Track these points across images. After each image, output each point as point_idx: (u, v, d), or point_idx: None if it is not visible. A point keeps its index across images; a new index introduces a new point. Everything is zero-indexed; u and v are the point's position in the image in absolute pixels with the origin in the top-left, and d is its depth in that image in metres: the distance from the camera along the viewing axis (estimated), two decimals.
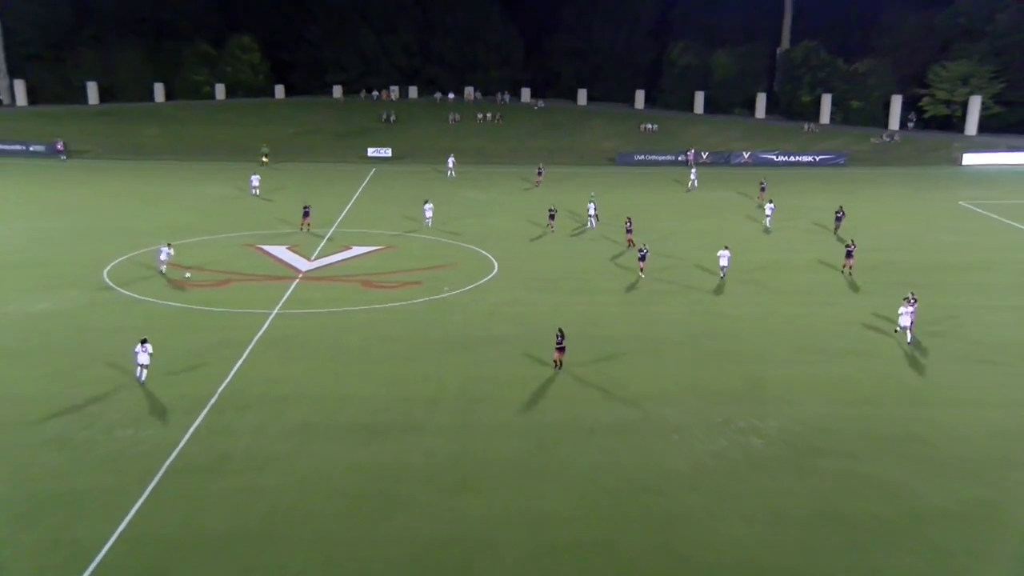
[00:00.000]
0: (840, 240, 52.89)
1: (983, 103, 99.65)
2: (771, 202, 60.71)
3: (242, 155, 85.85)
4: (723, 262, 46.05)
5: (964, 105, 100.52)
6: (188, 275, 44.83)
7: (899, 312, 37.41)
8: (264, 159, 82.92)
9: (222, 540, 22.97)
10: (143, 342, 31.86)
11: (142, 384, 31.71)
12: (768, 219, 59.24)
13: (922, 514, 24.62)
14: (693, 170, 77.03)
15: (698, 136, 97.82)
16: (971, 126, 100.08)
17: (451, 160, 79.53)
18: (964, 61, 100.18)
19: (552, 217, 57.36)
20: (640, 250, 46.78)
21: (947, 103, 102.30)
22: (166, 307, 41.21)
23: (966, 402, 31.99)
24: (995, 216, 63.11)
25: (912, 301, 37.46)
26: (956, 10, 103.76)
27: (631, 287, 45.41)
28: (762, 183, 68.81)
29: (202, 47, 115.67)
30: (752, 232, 58.06)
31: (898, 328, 37.70)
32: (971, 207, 66.48)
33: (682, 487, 25.90)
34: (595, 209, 58.72)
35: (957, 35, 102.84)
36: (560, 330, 33.98)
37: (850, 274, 46.96)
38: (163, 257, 45.23)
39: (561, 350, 33.88)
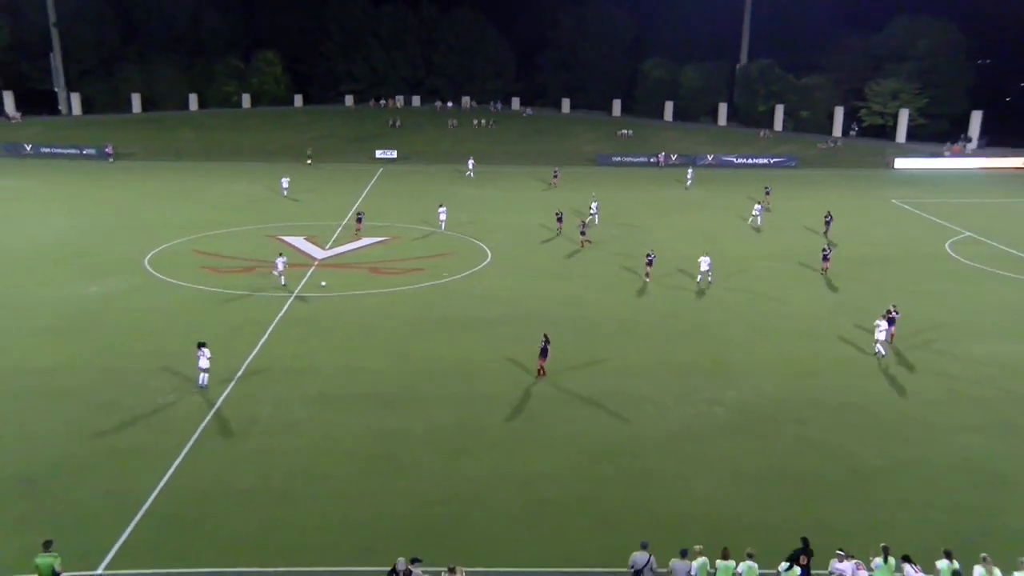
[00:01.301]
0: (831, 244, 49.95)
1: (910, 115, 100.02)
2: (760, 203, 59.06)
3: (266, 157, 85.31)
4: (703, 267, 43.15)
5: (895, 116, 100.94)
6: (323, 284, 42.00)
7: (875, 324, 33.70)
8: (308, 160, 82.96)
9: (249, 495, 23.03)
10: (201, 346, 29.46)
11: (203, 389, 29.31)
12: (758, 218, 57.36)
13: (861, 471, 24.74)
14: (690, 170, 76.04)
15: (668, 140, 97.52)
16: (901, 135, 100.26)
17: (471, 162, 78.05)
18: (894, 79, 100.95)
19: (560, 220, 54.90)
20: (648, 255, 43.83)
21: (881, 114, 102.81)
22: (199, 291, 40.93)
23: (899, 374, 32.03)
24: (921, 213, 63.15)
25: (893, 312, 34.44)
26: (887, 35, 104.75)
27: (610, 276, 45.16)
28: (767, 188, 65.88)
29: (232, 62, 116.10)
30: (724, 226, 57.73)
31: (876, 349, 33.54)
32: (902, 205, 66.50)
33: (654, 450, 25.92)
34: (596, 207, 57.43)
35: (888, 57, 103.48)
36: (545, 336, 31.18)
37: (825, 273, 44.89)
38: (280, 267, 41.69)
39: (544, 356, 30.82)
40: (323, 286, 41.25)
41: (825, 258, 45.22)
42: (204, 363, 29.26)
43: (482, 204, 64.14)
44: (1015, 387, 30.55)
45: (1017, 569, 18.11)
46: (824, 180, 78.01)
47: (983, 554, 18.39)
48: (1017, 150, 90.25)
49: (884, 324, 33.38)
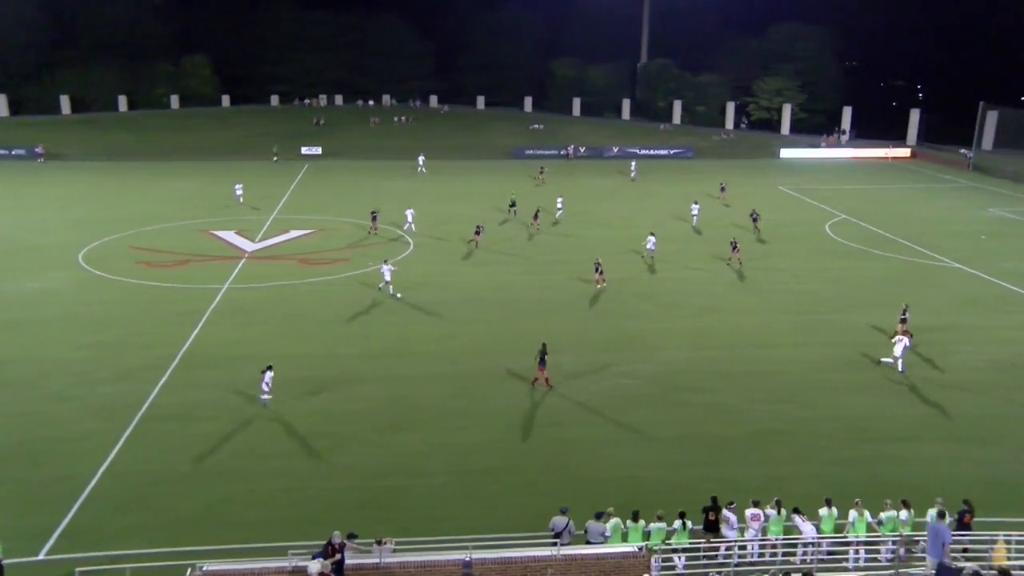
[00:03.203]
0: (761, 240, 49.31)
1: (792, 110, 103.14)
2: (697, 203, 54.64)
3: (198, 155, 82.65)
4: (650, 246, 43.99)
5: (779, 111, 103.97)
6: (399, 296, 37.55)
7: (892, 341, 30.66)
8: (275, 158, 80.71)
9: (193, 475, 22.47)
10: (266, 370, 26.57)
11: (264, 403, 26.65)
12: (695, 218, 53.30)
13: (759, 432, 25.43)
14: (633, 163, 75.11)
15: (577, 134, 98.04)
16: (785, 127, 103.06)
17: (421, 158, 75.85)
18: (778, 77, 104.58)
19: (511, 206, 54.69)
20: (596, 264, 40.47)
21: (768, 109, 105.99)
22: (135, 285, 39.43)
23: (792, 344, 32.95)
24: (804, 197, 65.12)
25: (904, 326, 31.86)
26: (770, 39, 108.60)
27: (533, 260, 45.24)
28: (722, 184, 64.43)
29: (164, 65, 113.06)
30: (633, 211, 58.43)
31: (891, 360, 30.36)
32: (787, 191, 68.40)
33: (575, 420, 26.13)
34: (562, 204, 55.76)
35: (772, 57, 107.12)
36: (543, 345, 28.42)
37: (739, 264, 43.65)
38: (388, 277, 37.84)
39: (543, 365, 27.94)
40: (399, 298, 37.18)
41: (734, 248, 44.09)
42: (266, 387, 26.48)
43: (408, 196, 63.38)
44: (886, 351, 31.81)
45: (883, 510, 19.16)
46: (718, 169, 79.63)
47: (856, 499, 19.28)
48: (881, 141, 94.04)
49: (904, 340, 30.22)
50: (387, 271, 37.87)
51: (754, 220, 51.70)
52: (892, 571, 17.97)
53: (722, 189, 63.46)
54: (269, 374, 26.58)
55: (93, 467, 22.61)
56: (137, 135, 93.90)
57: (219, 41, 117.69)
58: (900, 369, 29.85)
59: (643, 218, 54.90)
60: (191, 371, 29.39)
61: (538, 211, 53.31)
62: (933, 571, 16.92)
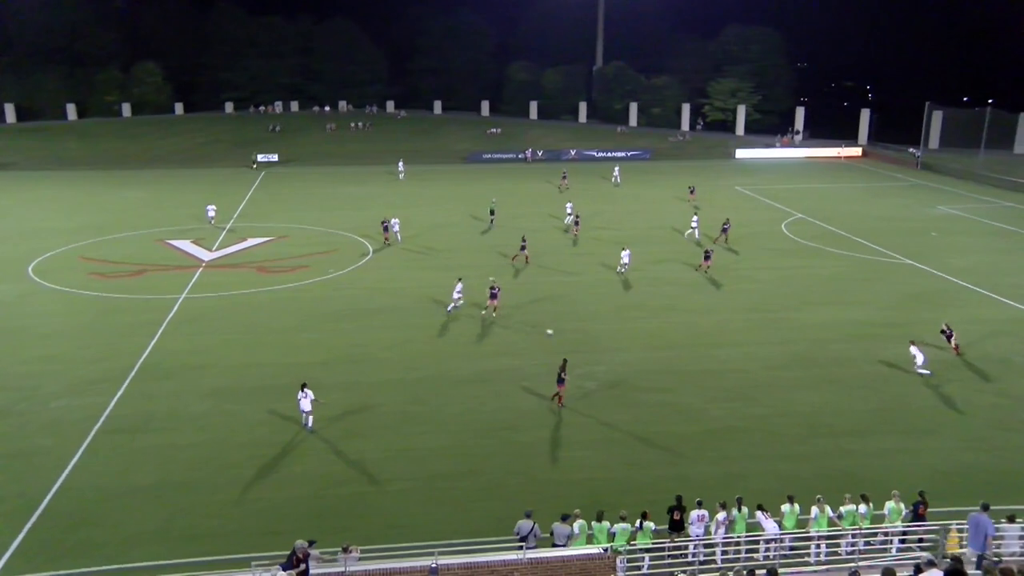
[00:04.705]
0: (731, 250, 48.22)
1: (747, 111, 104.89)
2: (697, 215, 53.19)
3: (152, 164, 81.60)
4: (624, 260, 42.86)
5: (734, 112, 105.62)
6: (549, 332, 33.60)
7: (912, 354, 30.35)
8: (255, 165, 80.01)
9: (151, 488, 22.23)
10: (303, 387, 25.77)
11: (309, 430, 25.66)
12: (695, 230, 51.24)
13: (715, 430, 25.87)
14: (616, 168, 73.69)
15: (534, 138, 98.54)
16: (740, 128, 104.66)
17: (401, 164, 75.47)
18: (731, 79, 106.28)
19: (493, 213, 53.98)
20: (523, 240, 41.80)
21: (722, 110, 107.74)
22: (88, 296, 38.84)
23: (745, 343, 33.51)
24: (760, 197, 66.26)
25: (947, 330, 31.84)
26: (722, 40, 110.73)
27: (488, 264, 45.26)
28: (691, 187, 64.16)
29: (112, 72, 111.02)
30: (592, 211, 58.61)
31: (918, 367, 30.13)
32: (743, 191, 69.49)
33: (533, 423, 26.34)
34: (572, 208, 54.76)
35: (725, 59, 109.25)
36: (564, 361, 27.75)
37: (706, 272, 43.02)
38: (457, 294, 36.07)
39: (562, 383, 27.25)
40: (550, 334, 33.48)
41: (707, 257, 43.47)
42: (307, 405, 25.52)
43: (363, 200, 63.24)
44: (840, 349, 32.56)
45: (843, 504, 19.60)
46: (675, 170, 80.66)
47: (818, 495, 19.62)
48: (834, 141, 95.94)
49: (919, 354, 30.16)
50: (459, 291, 36.48)
51: (724, 230, 50.22)
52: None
53: (691, 191, 63.61)
54: (309, 392, 25.56)
55: (46, 483, 22.24)
56: (87, 143, 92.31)
57: (169, 47, 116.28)
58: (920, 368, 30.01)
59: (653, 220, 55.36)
60: (148, 382, 29.08)
61: (578, 217, 52.68)
62: (973, 560, 16.64)
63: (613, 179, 72.25)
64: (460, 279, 37.25)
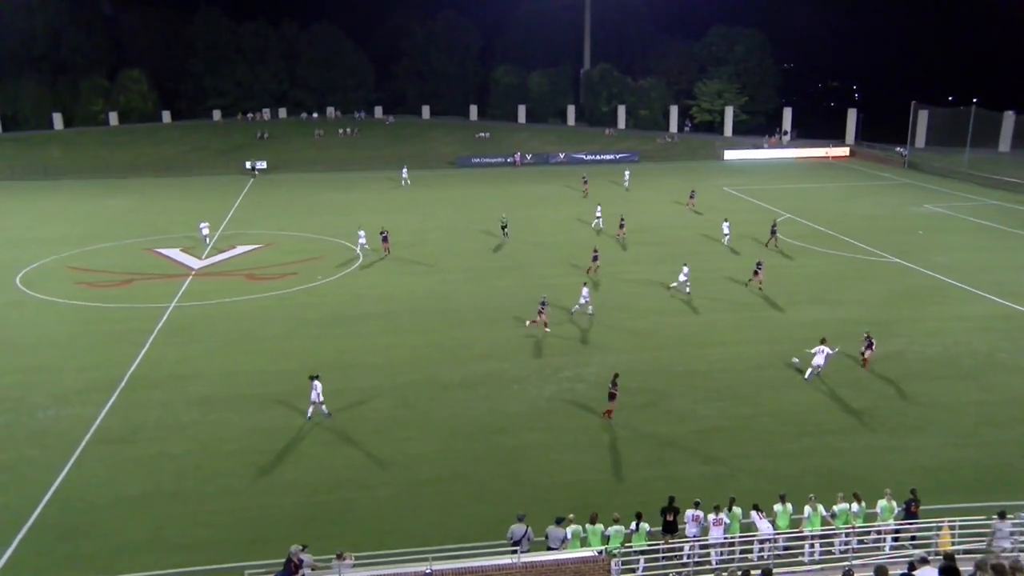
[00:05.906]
0: (780, 252, 47.89)
1: (734, 112, 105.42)
2: (727, 220, 51.16)
3: (138, 172, 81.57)
4: (682, 277, 39.85)
5: (722, 113, 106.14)
6: (796, 360, 31.08)
7: (812, 352, 29.97)
8: (256, 173, 79.77)
9: (139, 499, 22.20)
10: (313, 379, 26.51)
11: (328, 416, 26.68)
12: (727, 237, 50.15)
13: (704, 431, 26.00)
14: (627, 172, 73.41)
15: (522, 141, 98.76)
16: (728, 129, 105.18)
17: (404, 170, 75.00)
18: (718, 80, 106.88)
19: (503, 228, 52.17)
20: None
21: (710, 112, 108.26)
22: (76, 306, 38.79)
23: (733, 342, 33.71)
24: (749, 198, 66.63)
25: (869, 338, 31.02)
26: (708, 42, 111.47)
27: (474, 267, 45.52)
28: (692, 191, 62.69)
29: (97, 80, 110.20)
30: (567, 217, 59.05)
31: (811, 367, 29.89)
32: (732, 191, 69.86)
33: (522, 427, 26.45)
34: (600, 211, 55.01)
35: (710, 61, 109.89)
36: (615, 375, 27.16)
37: (759, 287, 40.45)
38: (584, 301, 36.10)
39: (613, 399, 26.78)
40: (795, 362, 31.08)
41: (757, 271, 40.91)
42: (315, 396, 26.31)
43: (349, 207, 63.28)
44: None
45: (836, 503, 19.70)
46: (664, 172, 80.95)
47: (810, 495, 19.78)
48: (821, 141, 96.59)
49: (824, 349, 29.81)
50: (586, 293, 36.52)
51: (773, 232, 49.17)
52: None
53: (691, 196, 62.53)
54: (318, 384, 26.39)
55: (36, 495, 22.20)
56: (73, 152, 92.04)
57: (153, 55, 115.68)
58: (807, 377, 29.74)
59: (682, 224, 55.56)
60: (137, 392, 29.07)
61: (623, 220, 52.59)
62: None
63: (624, 183, 72.19)
64: (585, 283, 37.60)
